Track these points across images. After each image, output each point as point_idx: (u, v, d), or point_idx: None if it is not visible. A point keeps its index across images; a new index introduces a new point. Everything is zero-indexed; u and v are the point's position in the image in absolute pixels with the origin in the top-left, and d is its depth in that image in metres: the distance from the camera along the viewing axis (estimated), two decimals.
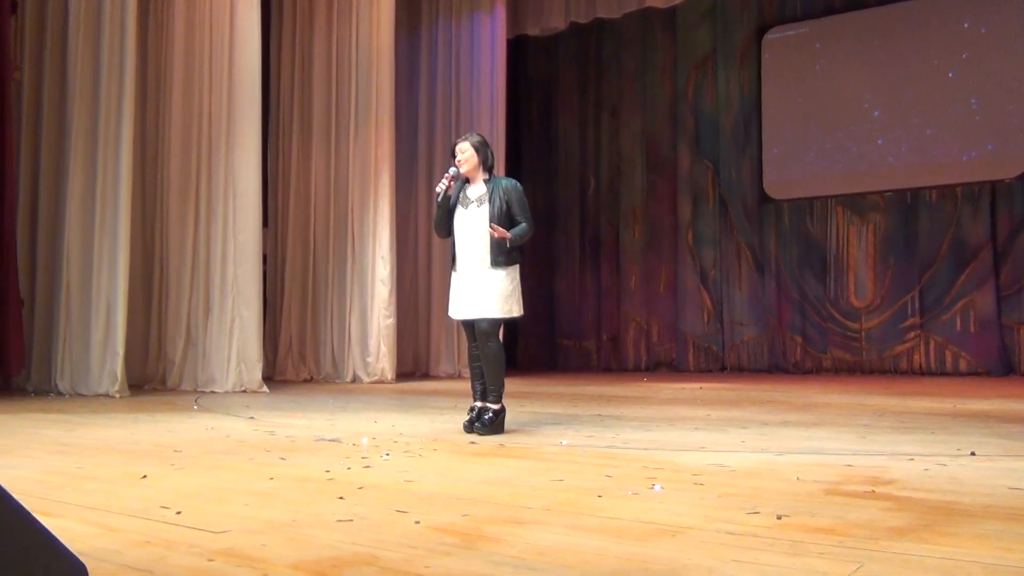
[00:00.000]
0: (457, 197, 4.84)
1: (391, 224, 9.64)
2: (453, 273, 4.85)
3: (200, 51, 8.57)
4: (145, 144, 8.76)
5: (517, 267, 4.75)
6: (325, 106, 10.06)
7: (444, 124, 11.14)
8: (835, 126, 11.11)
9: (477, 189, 4.81)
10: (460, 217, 4.80)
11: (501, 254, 4.66)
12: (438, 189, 4.75)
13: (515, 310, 4.70)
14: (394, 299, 9.63)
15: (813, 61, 11.31)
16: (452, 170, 4.81)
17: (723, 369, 11.58)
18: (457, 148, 4.83)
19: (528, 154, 13.35)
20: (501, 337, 4.85)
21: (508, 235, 4.59)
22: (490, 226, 4.60)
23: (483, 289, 4.66)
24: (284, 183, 10.20)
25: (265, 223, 9.40)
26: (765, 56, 11.61)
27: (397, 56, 10.16)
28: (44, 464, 3.60)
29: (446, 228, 4.87)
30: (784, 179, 11.40)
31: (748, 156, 11.66)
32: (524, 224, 4.69)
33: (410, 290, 10.99)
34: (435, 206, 4.85)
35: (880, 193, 10.80)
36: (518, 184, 4.79)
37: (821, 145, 11.20)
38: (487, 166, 4.83)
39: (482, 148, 4.81)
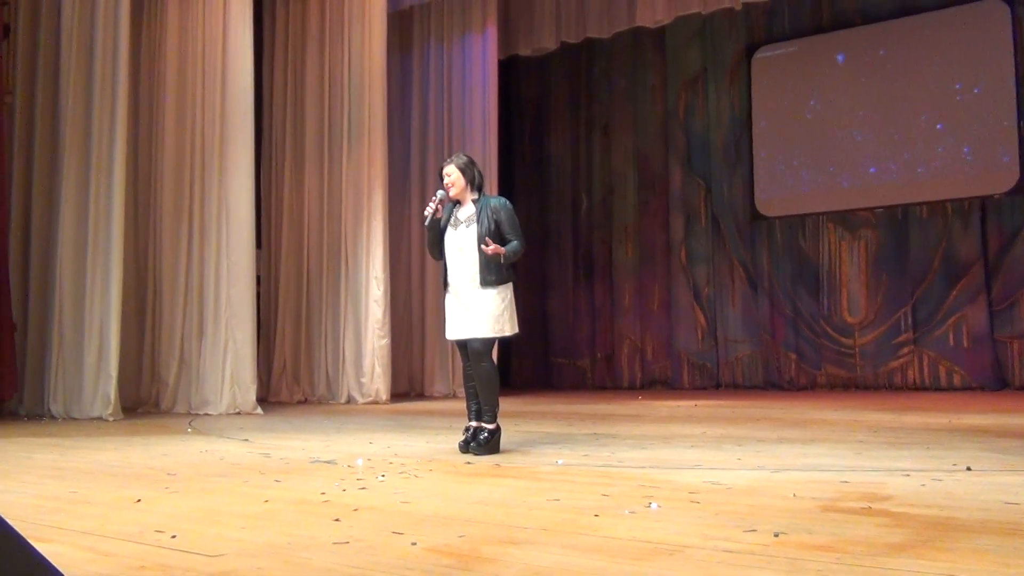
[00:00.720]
0: (448, 219, 4.85)
1: (384, 244, 9.64)
2: (446, 294, 4.85)
3: (193, 73, 8.59)
4: (138, 166, 8.76)
5: (510, 286, 4.75)
6: (318, 127, 10.08)
7: (436, 144, 11.17)
8: (826, 143, 11.17)
9: (467, 210, 4.81)
10: (451, 238, 4.80)
11: (491, 273, 4.66)
12: (426, 213, 4.76)
13: (507, 329, 4.70)
14: (388, 319, 9.61)
15: (802, 79, 11.39)
16: (439, 193, 4.81)
17: (718, 386, 11.58)
18: (444, 172, 4.84)
19: (520, 173, 13.39)
20: (495, 357, 4.85)
21: (502, 249, 4.59)
22: (484, 241, 4.61)
23: (475, 309, 4.66)
24: (277, 204, 10.20)
25: (258, 244, 9.39)
26: (755, 75, 11.68)
27: (389, 77, 10.20)
28: (37, 489, 3.57)
29: (438, 250, 4.87)
30: (776, 196, 11.45)
31: (739, 174, 11.70)
32: (515, 242, 4.70)
33: (404, 310, 10.98)
34: (426, 230, 4.87)
35: (871, 209, 10.85)
36: (507, 202, 4.80)
37: (812, 162, 11.25)
38: (475, 185, 4.83)
39: (468, 168, 4.82)
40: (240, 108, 8.43)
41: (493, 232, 4.68)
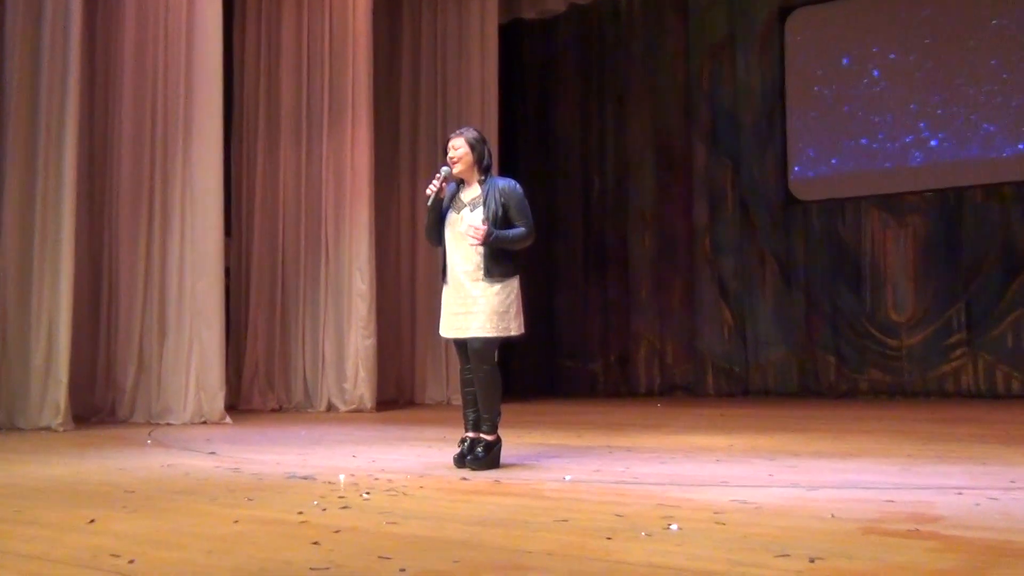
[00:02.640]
0: (450, 201, 4.85)
1: (370, 231, 9.63)
2: (444, 287, 4.85)
3: (154, 38, 8.58)
4: (92, 143, 8.74)
5: (516, 279, 4.75)
6: (295, 100, 10.07)
7: (429, 119, 11.15)
8: (869, 117, 11.15)
9: (471, 191, 4.81)
10: (452, 223, 4.80)
11: (496, 264, 4.66)
12: (428, 191, 4.76)
13: (513, 328, 4.70)
14: (374, 316, 9.61)
15: (843, 44, 11.36)
16: (443, 169, 4.81)
17: (746, 393, 11.58)
18: (449, 145, 4.84)
19: (524, 152, 13.37)
20: (497, 359, 4.86)
21: (483, 230, 4.58)
22: (473, 228, 4.60)
23: (476, 304, 4.66)
24: (249, 187, 10.19)
25: (228, 232, 9.38)
26: (788, 39, 11.66)
27: (375, 43, 10.18)
28: None
29: (437, 235, 4.87)
30: (812, 178, 11.44)
31: (771, 152, 11.69)
32: (522, 229, 4.70)
33: (392, 306, 10.98)
34: (425, 211, 4.86)
35: (920, 193, 10.83)
36: (517, 185, 4.80)
37: (853, 139, 11.24)
38: (483, 166, 4.84)
39: (478, 145, 4.82)
40: (207, 77, 8.41)
41: (500, 218, 4.68)
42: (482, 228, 4.59)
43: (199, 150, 8.38)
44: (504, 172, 10.49)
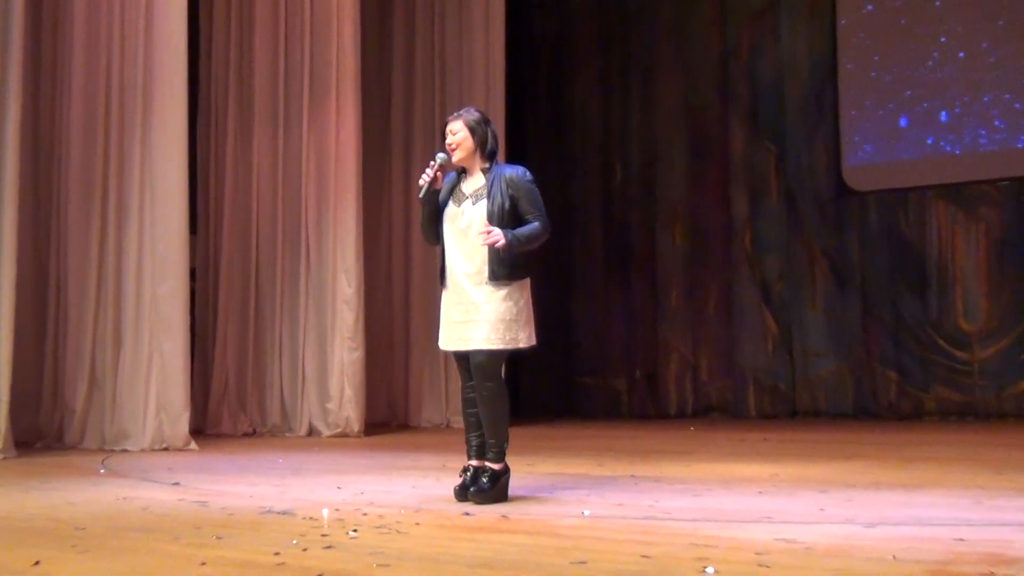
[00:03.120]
0: (449, 193, 4.85)
1: (357, 228, 9.63)
2: (443, 292, 4.85)
3: (108, 9, 8.59)
4: (37, 130, 8.77)
5: (526, 283, 4.76)
6: (270, 78, 10.08)
7: (425, 98, 11.16)
8: (936, 94, 11.11)
9: (474, 182, 4.82)
10: (451, 218, 4.80)
11: (503, 265, 4.66)
12: (421, 182, 4.76)
13: (522, 339, 4.70)
14: (362, 326, 9.61)
15: (906, 7, 11.33)
16: (439, 156, 4.82)
17: (794, 414, 11.55)
18: (448, 129, 4.84)
19: (534, 136, 13.36)
20: (504, 375, 4.85)
21: (502, 240, 4.58)
22: (485, 228, 4.60)
23: (479, 311, 4.66)
24: (218, 177, 10.21)
25: (193, 229, 9.40)
26: (840, 4, 11.64)
27: (364, 12, 10.18)
28: None
29: (434, 232, 4.87)
30: (869, 164, 11.40)
31: (821, 135, 11.67)
32: (536, 224, 4.70)
33: (383, 314, 10.99)
34: (421, 204, 4.86)
35: (993, 182, 10.80)
36: (528, 174, 4.80)
37: (917, 119, 11.20)
38: (487, 151, 4.84)
39: (479, 128, 4.82)
40: (170, 53, 8.41)
41: (508, 211, 4.68)
42: (497, 232, 4.57)
43: (160, 136, 8.37)
44: (512, 159, 10.55)
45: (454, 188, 4.86)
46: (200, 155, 10.20)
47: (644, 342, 12.57)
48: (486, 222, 4.65)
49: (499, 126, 10.39)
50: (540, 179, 4.90)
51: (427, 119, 11.01)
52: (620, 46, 13.01)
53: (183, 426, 8.16)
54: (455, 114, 4.92)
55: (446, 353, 5.16)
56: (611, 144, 13.01)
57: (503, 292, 4.66)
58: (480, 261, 4.68)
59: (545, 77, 13.52)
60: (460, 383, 4.92)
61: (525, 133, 13.28)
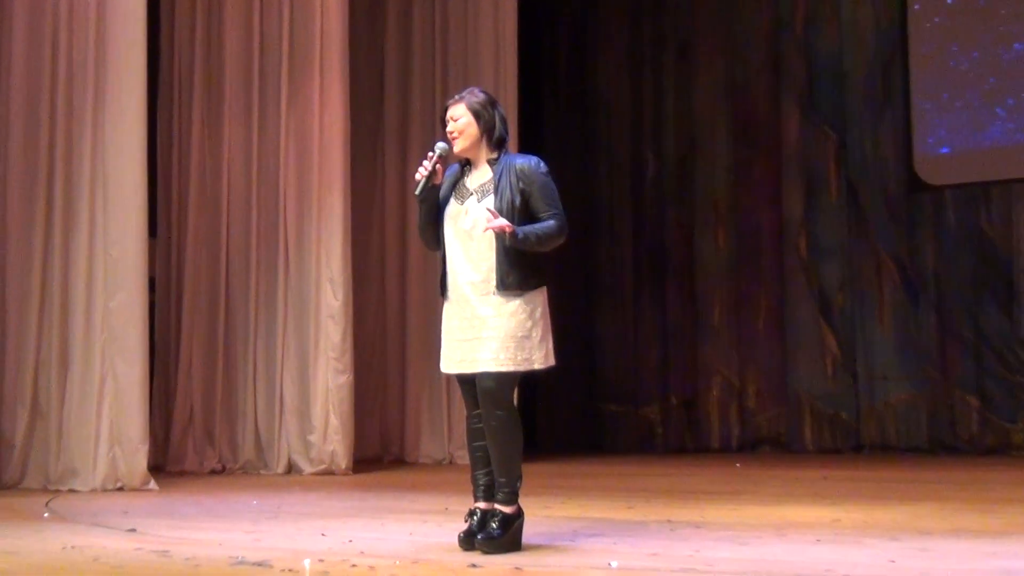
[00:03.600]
0: (451, 188, 4.84)
1: (344, 230, 9.62)
2: (444, 305, 4.84)
3: None
4: None
5: (541, 293, 4.75)
6: (243, 53, 10.08)
7: (424, 77, 11.15)
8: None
9: (479, 175, 4.81)
10: (453, 217, 4.79)
11: (514, 271, 4.65)
12: (418, 176, 4.76)
13: (537, 359, 4.69)
14: (350, 345, 9.60)
15: None
16: (439, 146, 4.82)
17: (859, 448, 11.50)
18: (448, 114, 4.84)
19: (553, 121, 13.37)
20: (517, 401, 4.84)
21: (507, 226, 4.56)
22: (488, 212, 4.58)
23: (486, 327, 4.65)
24: (182, 171, 10.20)
25: (153, 232, 9.39)
26: None
27: None
28: None
29: (434, 235, 4.87)
30: (946, 155, 11.38)
31: (890, 120, 11.64)
32: (552, 222, 4.69)
33: (375, 331, 10.98)
34: (417, 203, 4.86)
35: None
36: (541, 163, 4.80)
37: (1002, 101, 11.17)
38: (494, 139, 4.84)
39: (485, 112, 4.82)
40: (127, 28, 8.41)
41: (518, 208, 4.67)
42: (503, 220, 4.55)
43: (115, 124, 8.37)
44: (525, 149, 10.51)
45: (456, 183, 4.85)
46: (161, 145, 10.20)
47: (681, 363, 12.53)
48: (488, 208, 4.63)
49: (510, 110, 10.39)
50: (559, 172, 4.90)
51: (427, 101, 11.00)
52: (653, 16, 13.02)
53: (141, 462, 8.13)
54: (457, 96, 4.92)
55: (448, 376, 5.15)
56: (642, 131, 12.99)
57: (514, 304, 4.64)
58: (487, 268, 4.67)
59: (565, 53, 13.51)
60: (465, 412, 4.90)
61: (542, 118, 13.27)
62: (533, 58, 12.93)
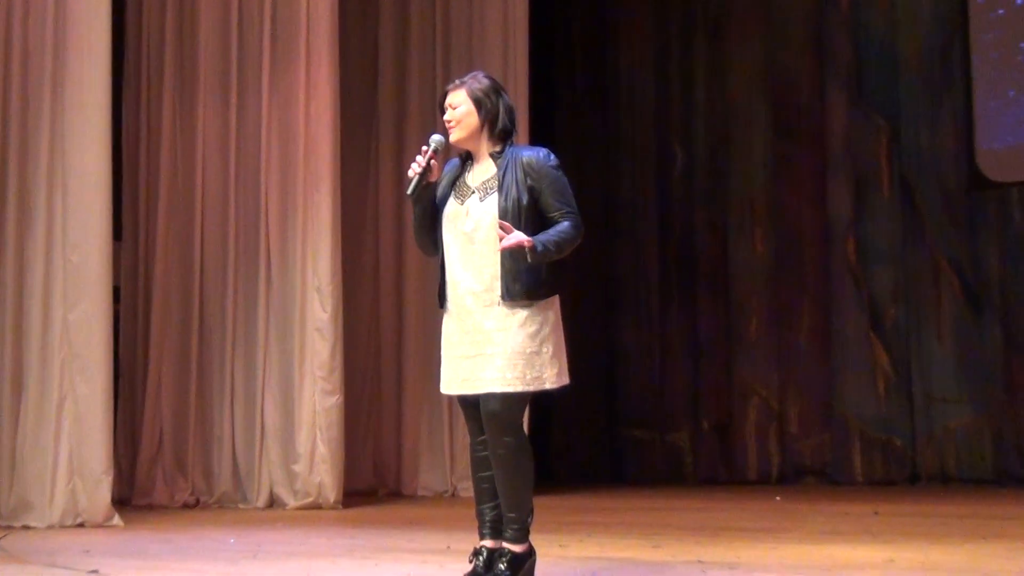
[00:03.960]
0: (451, 185, 4.83)
1: (334, 232, 9.62)
2: (444, 317, 4.83)
3: None
4: None
5: (553, 303, 4.74)
6: (220, 34, 10.09)
7: (424, 63, 11.15)
8: None
9: (482, 171, 4.80)
10: (452, 219, 4.78)
11: (521, 278, 4.63)
12: (410, 173, 4.75)
13: (548, 377, 4.68)
14: (340, 362, 9.59)
15: None
16: (434, 139, 4.81)
17: (915, 479, 11.48)
18: (447, 101, 4.83)
19: (567, 109, 13.37)
20: (528, 426, 4.83)
21: (527, 240, 4.53)
22: (500, 225, 4.57)
23: (492, 342, 4.64)
24: (150, 164, 10.22)
25: (118, 235, 9.39)
26: None
27: None
28: None
29: (431, 238, 4.86)
30: (1012, 147, 11.36)
31: (948, 108, 11.64)
32: (567, 223, 4.67)
33: (368, 346, 10.98)
34: (411, 203, 4.85)
35: None
36: (551, 156, 4.79)
37: None
38: (498, 130, 4.83)
39: (488, 100, 4.81)
40: (89, 1, 8.44)
41: (526, 208, 4.66)
42: (519, 233, 4.52)
43: (75, 112, 8.38)
44: (539, 139, 10.51)
45: (456, 179, 4.83)
46: (126, 137, 10.22)
47: (714, 383, 12.53)
48: (499, 222, 4.61)
49: (520, 99, 10.42)
50: (575, 169, 4.90)
51: (427, 89, 10.99)
52: None
53: (104, 495, 8.13)
54: (458, 81, 4.91)
55: (451, 398, 5.13)
56: (669, 121, 13.00)
57: (521, 316, 4.63)
58: (490, 275, 4.64)
59: (582, 34, 13.53)
60: (469, 438, 4.89)
61: (555, 107, 13.29)
62: (546, 41, 12.94)
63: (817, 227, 12.16)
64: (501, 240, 4.53)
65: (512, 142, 4.86)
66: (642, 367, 12.87)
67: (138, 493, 9.71)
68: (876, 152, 11.95)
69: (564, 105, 13.37)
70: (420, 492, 10.67)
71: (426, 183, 4.80)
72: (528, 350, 4.61)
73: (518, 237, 4.49)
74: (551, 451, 12.69)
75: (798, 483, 11.87)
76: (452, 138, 4.81)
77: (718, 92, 12.77)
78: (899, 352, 11.70)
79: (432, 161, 4.78)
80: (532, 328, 4.63)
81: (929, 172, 11.67)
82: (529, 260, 4.53)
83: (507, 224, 4.54)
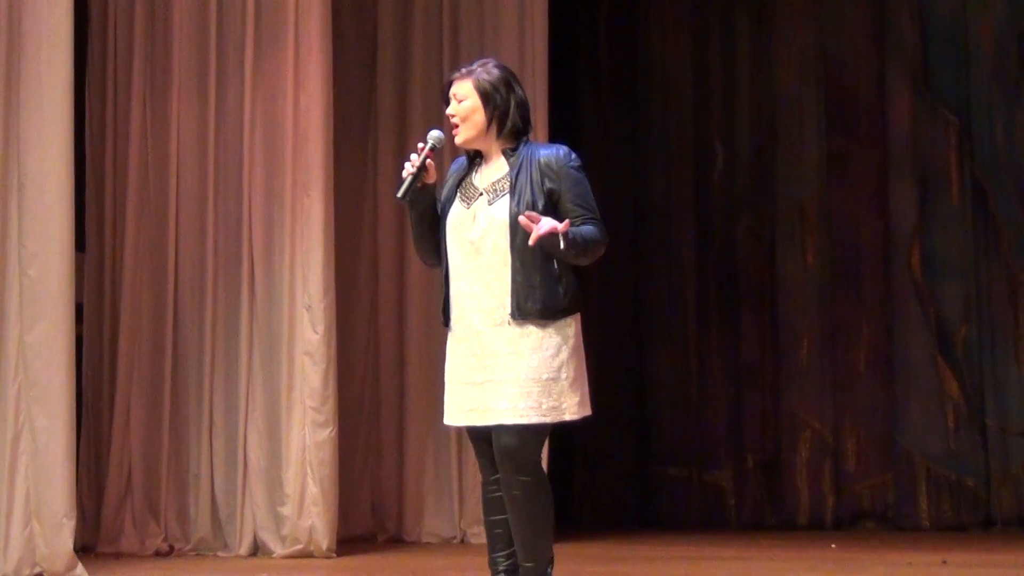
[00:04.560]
0: (455, 188, 4.83)
1: (326, 242, 9.64)
2: (449, 337, 4.83)
3: None
4: None
5: (573, 321, 4.76)
6: (196, 18, 10.12)
7: (429, 46, 11.17)
8: None
9: (492, 171, 4.81)
10: (457, 225, 4.79)
11: (534, 295, 4.65)
12: (404, 174, 4.75)
13: (569, 407, 4.69)
14: (334, 391, 9.60)
15: None
16: (431, 136, 4.83)
17: (989, 525, 11.44)
18: (451, 92, 4.84)
19: (593, 104, 13.38)
20: (547, 462, 4.83)
21: (558, 226, 4.53)
22: (523, 216, 4.54)
23: (503, 367, 4.64)
24: (118, 169, 10.21)
25: (81, 245, 9.41)
26: None
27: None
28: None
29: (432, 248, 4.85)
30: None
31: None
32: (592, 227, 4.66)
33: (365, 372, 10.98)
34: (406, 208, 4.86)
35: None
36: (571, 154, 4.81)
37: None
38: (508, 127, 4.84)
39: (497, 92, 4.83)
40: None
41: (540, 212, 4.64)
42: (549, 220, 4.50)
43: (32, 108, 8.40)
44: (560, 137, 10.48)
45: (463, 180, 4.83)
46: (90, 136, 10.21)
47: (759, 414, 12.51)
48: (515, 222, 4.60)
49: (539, 89, 10.42)
50: (600, 171, 4.92)
51: (432, 77, 10.99)
52: None
53: (65, 541, 8.13)
54: (465, 69, 4.94)
55: (459, 430, 5.13)
56: (708, 116, 13.00)
57: (536, 337, 4.64)
58: (501, 290, 4.65)
59: (609, 15, 13.54)
60: (480, 477, 4.88)
61: (579, 101, 13.30)
62: (568, 25, 12.95)
63: (877, 237, 12.15)
64: (527, 223, 4.50)
65: (528, 139, 4.86)
66: (677, 396, 12.84)
67: (104, 539, 9.71)
68: (944, 152, 11.94)
69: (588, 98, 13.38)
70: (424, 538, 10.65)
71: (421, 184, 4.80)
72: (544, 376, 4.61)
73: (550, 224, 4.47)
74: (574, 492, 12.67)
75: (856, 528, 11.85)
76: (458, 139, 4.83)
77: (764, 83, 12.77)
78: (971, 379, 11.68)
79: (428, 161, 4.78)
80: (548, 351, 4.63)
81: (1005, 174, 11.67)
82: (560, 251, 4.51)
83: (532, 213, 4.51)
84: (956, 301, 11.79)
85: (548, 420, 4.60)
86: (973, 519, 11.53)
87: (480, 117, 4.76)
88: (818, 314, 12.34)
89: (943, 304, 11.82)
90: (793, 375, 12.39)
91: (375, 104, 11.30)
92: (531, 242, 4.53)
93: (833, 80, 12.44)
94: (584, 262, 4.65)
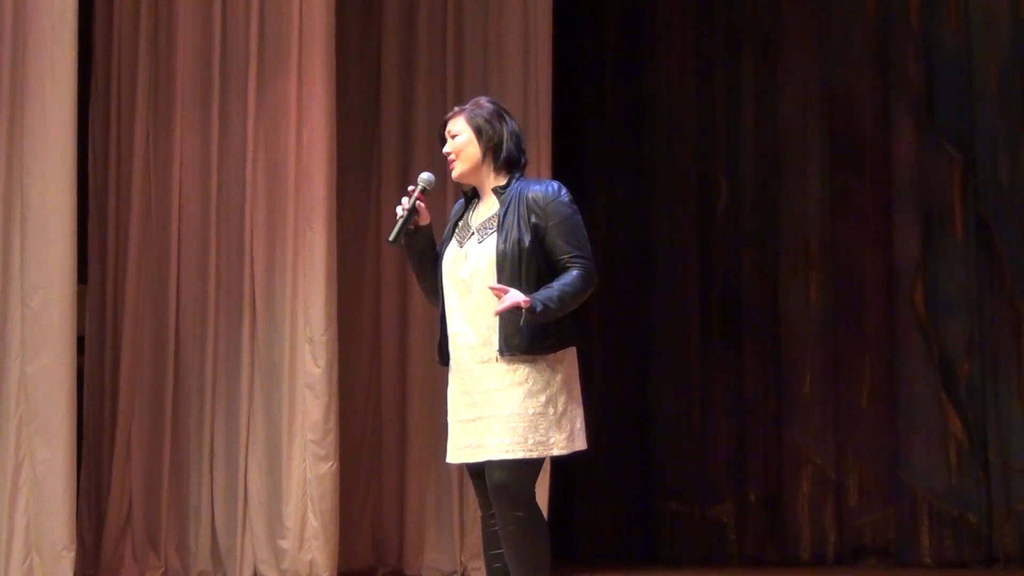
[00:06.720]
0: (453, 228, 4.85)
1: (329, 274, 9.65)
2: (448, 374, 4.84)
3: None
4: None
5: (565, 356, 4.77)
6: (200, 47, 10.16)
7: (433, 81, 11.18)
8: None
9: (486, 208, 4.84)
10: (451, 264, 4.81)
11: (520, 332, 4.68)
12: (399, 211, 4.77)
13: (557, 441, 4.70)
14: (335, 424, 9.60)
15: None
16: (422, 178, 4.85)
17: (991, 562, 11.40)
18: (446, 130, 4.87)
19: (596, 135, 13.39)
20: (546, 497, 4.84)
21: (523, 301, 4.54)
22: (490, 287, 4.57)
23: (491, 403, 4.65)
24: (120, 196, 10.24)
25: (83, 276, 9.43)
26: None
27: None
28: None
29: (433, 289, 4.87)
30: None
31: None
32: (575, 272, 4.67)
33: (367, 406, 10.98)
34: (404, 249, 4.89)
35: None
36: (562, 191, 4.83)
37: None
38: (502, 161, 4.86)
39: (490, 127, 4.87)
40: (52, 10, 8.50)
41: (526, 252, 4.69)
42: (514, 294, 4.51)
43: (36, 136, 8.44)
44: (564, 170, 10.52)
45: (460, 219, 4.86)
46: (93, 165, 10.26)
47: (762, 449, 12.49)
48: (502, 259, 4.62)
49: (542, 124, 10.45)
50: (603, 202, 4.95)
51: (436, 108, 10.90)
52: (726, 3, 13.08)
53: (65, 573, 8.16)
54: (457, 108, 4.98)
55: (458, 467, 5.15)
56: (712, 149, 13.01)
57: (523, 372, 4.66)
58: (487, 327, 4.67)
59: (613, 49, 13.56)
60: (480, 512, 4.89)
61: (582, 134, 13.31)
62: (573, 57, 12.98)
63: (880, 272, 12.14)
64: (496, 294, 4.54)
65: (522, 174, 4.88)
66: (679, 430, 12.82)
67: (104, 571, 9.71)
68: (948, 187, 11.93)
69: (592, 131, 13.38)
70: (425, 572, 10.64)
71: (414, 227, 4.82)
72: (530, 411, 4.63)
73: (513, 298, 4.49)
74: (574, 527, 12.63)
75: (858, 565, 11.82)
76: (454, 174, 4.86)
77: (768, 117, 12.77)
78: (974, 415, 11.65)
79: (419, 203, 4.80)
80: (535, 386, 4.65)
81: (1009, 210, 11.65)
82: (523, 322, 4.53)
83: (500, 286, 4.53)
84: (959, 336, 11.77)
85: (535, 455, 4.59)
86: (975, 556, 11.49)
87: (474, 149, 4.77)
88: (821, 349, 12.32)
89: (946, 339, 11.81)
90: (795, 410, 12.37)
91: (378, 138, 11.31)
92: (494, 314, 4.56)
93: (837, 115, 12.45)
94: (563, 314, 4.62)
